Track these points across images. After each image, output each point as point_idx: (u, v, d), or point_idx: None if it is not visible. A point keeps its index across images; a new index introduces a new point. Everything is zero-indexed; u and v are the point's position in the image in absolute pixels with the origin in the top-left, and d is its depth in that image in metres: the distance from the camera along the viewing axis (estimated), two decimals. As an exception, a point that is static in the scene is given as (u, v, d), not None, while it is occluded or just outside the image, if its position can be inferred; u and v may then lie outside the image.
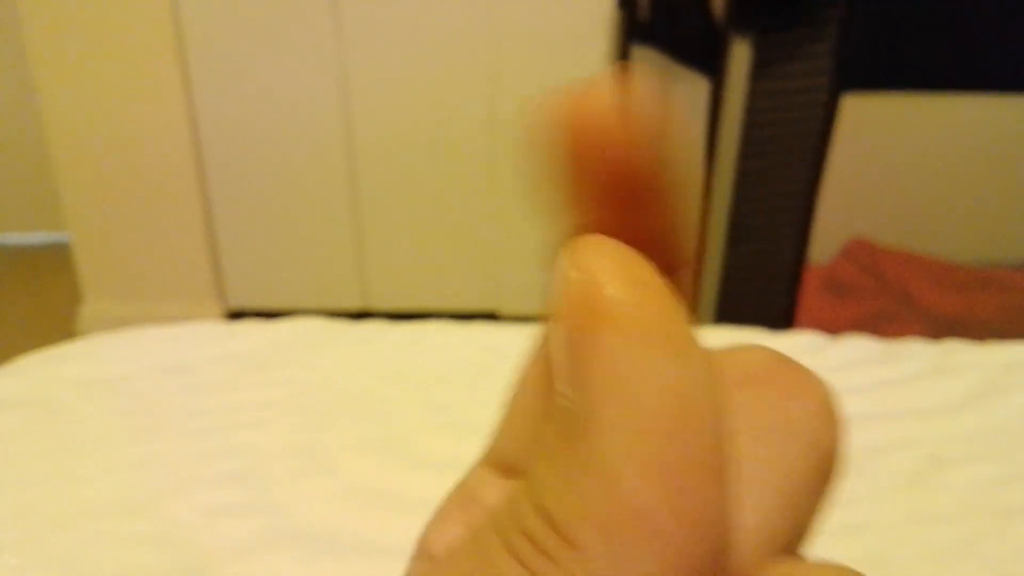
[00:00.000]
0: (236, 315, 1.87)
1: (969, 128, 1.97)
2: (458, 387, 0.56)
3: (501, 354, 0.62)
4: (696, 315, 0.12)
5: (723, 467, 0.09)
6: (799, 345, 0.60)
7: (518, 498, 0.11)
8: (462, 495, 0.16)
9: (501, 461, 0.16)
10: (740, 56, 1.14)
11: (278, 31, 1.64)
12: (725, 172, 1.19)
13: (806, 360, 0.13)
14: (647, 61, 1.62)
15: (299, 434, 0.49)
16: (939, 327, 1.61)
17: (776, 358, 0.13)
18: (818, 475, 0.12)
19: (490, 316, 1.86)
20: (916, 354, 0.56)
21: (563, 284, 0.11)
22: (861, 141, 1.90)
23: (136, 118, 1.69)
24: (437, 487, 0.47)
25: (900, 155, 2.00)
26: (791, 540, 0.12)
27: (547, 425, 0.11)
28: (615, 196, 0.12)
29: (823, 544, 0.13)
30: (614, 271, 0.10)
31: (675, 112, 0.12)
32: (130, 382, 0.57)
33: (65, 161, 1.72)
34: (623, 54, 1.60)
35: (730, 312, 1.27)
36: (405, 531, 0.41)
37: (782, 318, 1.27)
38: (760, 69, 1.10)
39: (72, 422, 0.52)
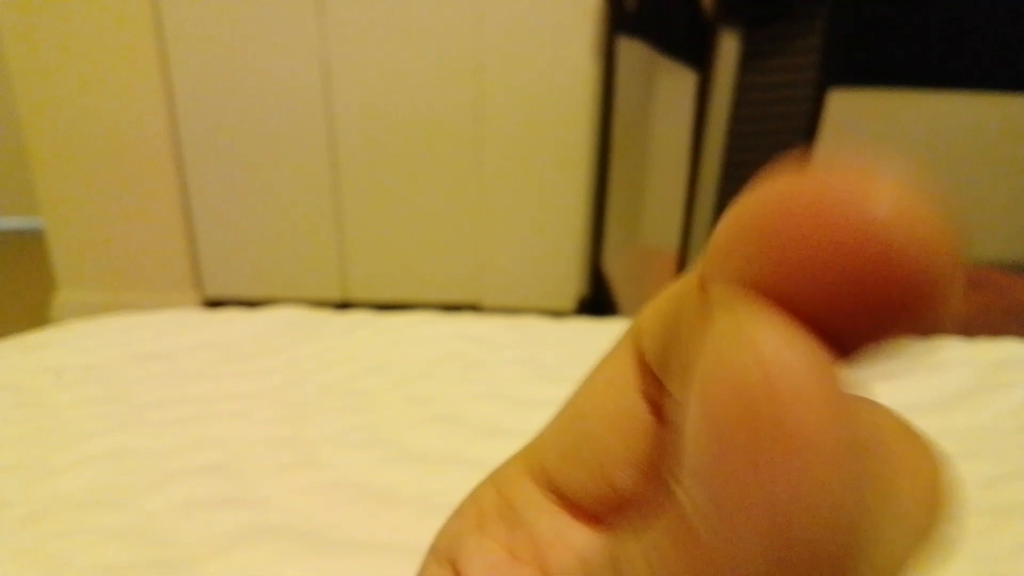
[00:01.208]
0: (213, 304, 1.85)
1: (952, 127, 1.98)
2: (442, 379, 0.55)
3: (486, 346, 0.61)
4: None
5: None
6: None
7: None
8: (503, 507, 0.15)
9: (544, 471, 0.14)
10: (727, 49, 1.14)
11: (259, 17, 1.62)
12: (711, 166, 1.18)
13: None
14: (633, 53, 1.62)
15: (280, 426, 0.48)
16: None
17: (896, 428, 0.11)
18: (913, 560, 0.11)
19: (472, 308, 1.85)
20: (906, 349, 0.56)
21: (725, 360, 0.08)
22: (842, 138, 1.91)
23: (113, 102, 1.66)
24: (422, 481, 0.46)
25: (881, 151, 2.01)
26: None
27: (659, 509, 0.09)
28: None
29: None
30: (807, 372, 0.08)
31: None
32: (105, 370, 0.56)
33: (40, 145, 1.68)
34: (609, 45, 1.59)
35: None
36: (390, 526, 0.40)
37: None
38: (747, 62, 1.10)
39: (46, 411, 0.50)
